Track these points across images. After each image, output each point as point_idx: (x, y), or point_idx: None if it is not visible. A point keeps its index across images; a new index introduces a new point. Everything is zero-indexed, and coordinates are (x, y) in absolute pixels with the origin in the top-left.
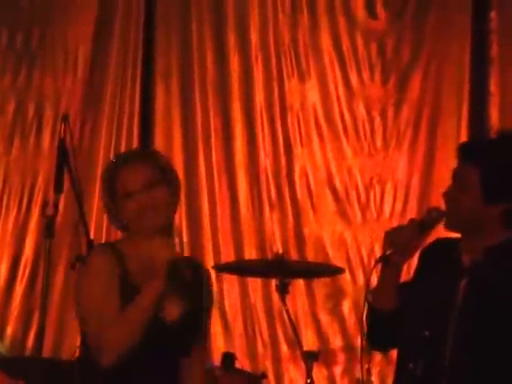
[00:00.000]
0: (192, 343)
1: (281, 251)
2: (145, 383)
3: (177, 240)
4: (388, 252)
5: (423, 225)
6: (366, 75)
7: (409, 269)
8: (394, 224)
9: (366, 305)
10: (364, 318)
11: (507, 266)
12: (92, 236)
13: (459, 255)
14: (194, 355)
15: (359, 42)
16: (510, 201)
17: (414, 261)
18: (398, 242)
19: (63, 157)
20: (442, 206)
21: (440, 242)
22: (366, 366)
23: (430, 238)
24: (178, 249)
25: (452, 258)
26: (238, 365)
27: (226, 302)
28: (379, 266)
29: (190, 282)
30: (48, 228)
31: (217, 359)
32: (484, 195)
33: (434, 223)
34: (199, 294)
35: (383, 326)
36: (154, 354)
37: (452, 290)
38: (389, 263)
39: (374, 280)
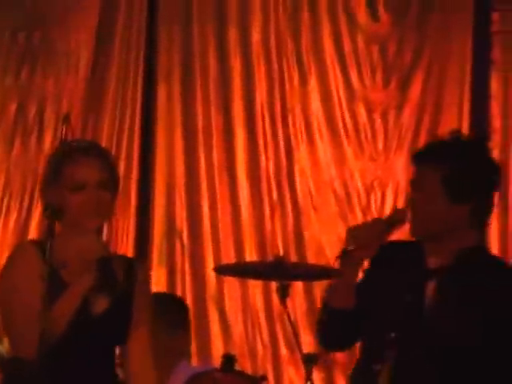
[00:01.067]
0: (122, 333)
1: (281, 253)
2: (74, 375)
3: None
4: (350, 247)
5: (389, 223)
6: (367, 78)
7: None
8: None
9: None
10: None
11: (479, 269)
12: None
13: (422, 257)
14: (132, 342)
15: (361, 44)
16: (475, 200)
17: None
18: (361, 237)
19: None
20: None
21: (395, 244)
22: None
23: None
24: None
25: (413, 259)
26: (237, 367)
27: (226, 304)
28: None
29: (119, 280)
30: (49, 229)
31: (217, 361)
32: (450, 197)
33: (400, 223)
34: (130, 291)
35: (340, 325)
36: (80, 344)
37: (418, 292)
38: (349, 259)
39: None
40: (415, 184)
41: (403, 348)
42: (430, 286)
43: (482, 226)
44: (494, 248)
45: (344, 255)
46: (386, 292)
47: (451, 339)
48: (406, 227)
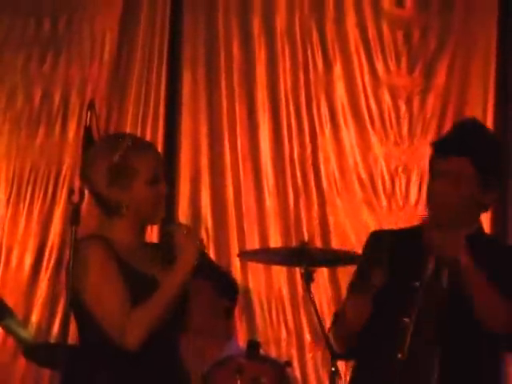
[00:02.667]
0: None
1: (306, 239)
2: (156, 364)
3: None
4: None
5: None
6: (391, 64)
7: None
8: (420, 212)
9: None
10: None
11: (486, 254)
12: None
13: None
14: None
15: (385, 30)
16: (499, 184)
17: None
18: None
19: (89, 144)
20: None
21: (394, 233)
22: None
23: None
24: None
25: (419, 246)
26: (262, 353)
27: (251, 290)
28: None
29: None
30: (73, 215)
31: (242, 346)
32: (481, 182)
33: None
34: None
35: (353, 338)
36: (162, 335)
37: (432, 279)
38: (371, 289)
39: None
40: (443, 174)
41: (416, 333)
42: (445, 274)
43: (487, 209)
44: None
45: (366, 288)
46: (393, 282)
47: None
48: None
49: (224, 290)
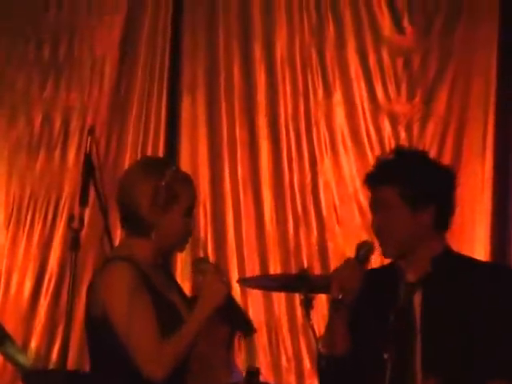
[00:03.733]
0: None
1: (306, 266)
2: None
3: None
4: (340, 297)
5: (359, 260)
6: (391, 90)
7: None
8: None
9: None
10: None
11: (456, 272)
12: None
13: (401, 275)
14: None
15: (385, 57)
16: (433, 205)
17: None
18: (345, 284)
19: (89, 170)
20: None
21: (369, 272)
22: None
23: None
24: None
25: (392, 280)
26: (262, 379)
27: (251, 316)
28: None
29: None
30: (73, 241)
31: (241, 373)
32: (409, 206)
33: (368, 255)
34: None
35: (341, 371)
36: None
37: (405, 308)
38: (339, 307)
39: None
40: (375, 205)
41: (397, 367)
42: (417, 299)
43: (445, 228)
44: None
45: (335, 305)
46: (370, 320)
47: (449, 344)
48: None
49: (238, 328)
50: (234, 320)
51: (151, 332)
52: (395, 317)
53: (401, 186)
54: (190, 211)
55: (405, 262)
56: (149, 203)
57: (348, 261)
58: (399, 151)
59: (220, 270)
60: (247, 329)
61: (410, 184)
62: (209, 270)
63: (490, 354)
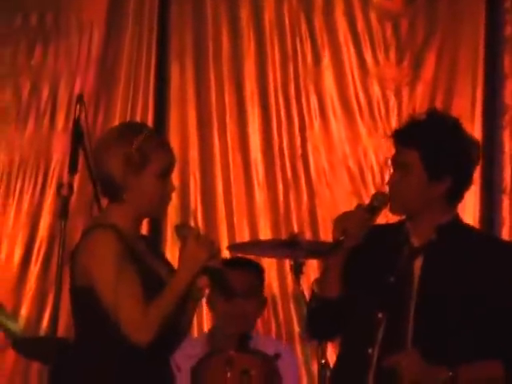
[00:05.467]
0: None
1: (296, 231)
2: (153, 362)
3: None
4: (341, 238)
5: (371, 209)
6: (380, 55)
7: None
8: None
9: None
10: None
11: (461, 243)
12: None
13: (407, 237)
14: None
15: (374, 21)
16: (451, 177)
17: None
18: (349, 228)
19: (78, 137)
20: None
21: (378, 227)
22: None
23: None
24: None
25: (398, 240)
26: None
27: None
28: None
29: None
30: (63, 208)
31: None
32: (427, 174)
33: (381, 206)
34: None
35: (328, 314)
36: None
37: (405, 271)
38: (339, 249)
39: None
40: (395, 163)
41: (390, 328)
42: (417, 264)
43: (458, 201)
44: None
45: (335, 247)
46: (370, 275)
47: (442, 313)
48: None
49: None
50: (217, 284)
51: (137, 299)
52: (395, 279)
53: (425, 153)
54: (164, 174)
55: (412, 225)
56: (121, 168)
57: (358, 206)
58: (432, 114)
59: (201, 234)
60: (228, 294)
61: (435, 152)
62: (189, 235)
63: (485, 329)
